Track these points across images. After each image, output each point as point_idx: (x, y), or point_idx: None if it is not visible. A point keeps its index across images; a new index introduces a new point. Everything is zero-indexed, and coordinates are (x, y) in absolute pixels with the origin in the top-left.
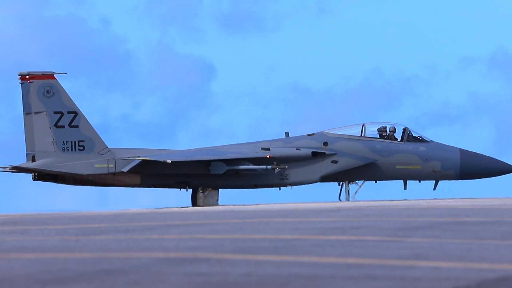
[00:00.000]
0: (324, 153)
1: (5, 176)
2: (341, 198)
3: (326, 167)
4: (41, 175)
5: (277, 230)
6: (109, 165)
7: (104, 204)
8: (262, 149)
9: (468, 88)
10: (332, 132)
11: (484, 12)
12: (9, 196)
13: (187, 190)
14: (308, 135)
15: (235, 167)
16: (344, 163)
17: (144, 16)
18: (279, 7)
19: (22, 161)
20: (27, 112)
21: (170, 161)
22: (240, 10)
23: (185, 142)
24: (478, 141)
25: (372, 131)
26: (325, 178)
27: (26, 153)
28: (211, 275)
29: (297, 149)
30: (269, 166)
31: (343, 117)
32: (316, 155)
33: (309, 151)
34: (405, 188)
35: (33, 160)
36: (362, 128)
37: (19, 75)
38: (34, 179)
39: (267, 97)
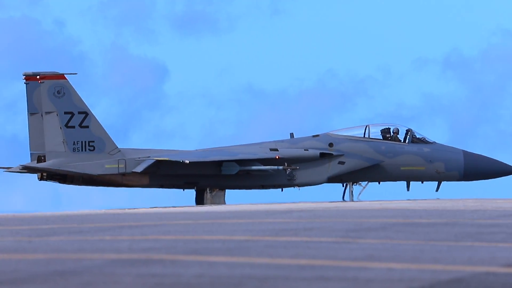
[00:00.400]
0: (331, 154)
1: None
2: (345, 198)
3: (333, 168)
4: (50, 175)
5: (229, 231)
6: (120, 166)
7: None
8: (271, 149)
9: (422, 89)
10: (336, 133)
11: (438, 13)
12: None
13: (195, 191)
14: (313, 136)
15: (247, 168)
16: (351, 164)
17: (98, 18)
18: (233, 8)
19: (25, 161)
20: (32, 112)
21: (188, 161)
22: (193, 11)
23: (139, 143)
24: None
25: (375, 132)
26: (332, 179)
27: (30, 153)
28: (164, 276)
29: (305, 150)
30: (281, 167)
31: (297, 119)
32: (324, 156)
33: (317, 152)
34: (408, 189)
35: (39, 160)
36: (366, 129)
37: (24, 75)
38: (42, 179)
39: (221, 99)
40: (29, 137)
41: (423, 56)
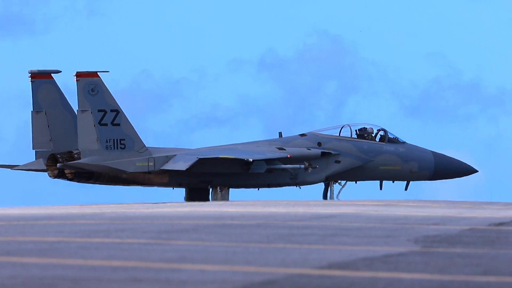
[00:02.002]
0: (330, 153)
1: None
2: (327, 197)
3: (330, 167)
4: (78, 174)
5: (41, 232)
6: (149, 163)
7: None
8: (278, 149)
9: (238, 90)
10: (322, 133)
11: (253, 14)
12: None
13: (210, 189)
14: (300, 135)
15: (273, 166)
16: (346, 163)
17: None
18: (49, 9)
19: (29, 160)
20: (37, 110)
21: (252, 160)
22: (10, 13)
23: None
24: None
25: (356, 131)
26: (328, 178)
27: (36, 152)
28: None
29: (308, 149)
30: (302, 166)
31: None
32: (323, 155)
33: (318, 151)
34: (381, 188)
35: (52, 158)
36: (349, 128)
37: (29, 73)
38: (57, 177)
39: None
40: (32, 135)
41: (238, 57)
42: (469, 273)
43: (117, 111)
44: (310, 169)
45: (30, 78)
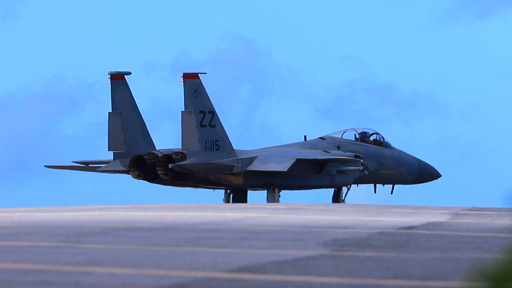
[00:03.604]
0: (360, 156)
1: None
2: (339, 201)
3: (357, 170)
4: (177, 174)
5: None
6: (238, 165)
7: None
8: (324, 151)
9: (150, 94)
10: (336, 136)
11: (166, 17)
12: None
13: (273, 190)
14: (321, 138)
15: (344, 168)
16: (370, 166)
17: None
18: None
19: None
20: (114, 111)
21: (366, 165)
22: None
23: None
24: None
25: (361, 135)
26: (356, 181)
27: (113, 153)
28: None
29: (344, 152)
30: (361, 167)
31: (25, 123)
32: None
33: (352, 154)
34: (375, 192)
35: (145, 160)
36: (355, 133)
37: (109, 74)
38: (139, 178)
39: None
40: (108, 135)
41: (151, 60)
42: (379, 276)
43: (213, 113)
44: (366, 171)
45: (109, 80)
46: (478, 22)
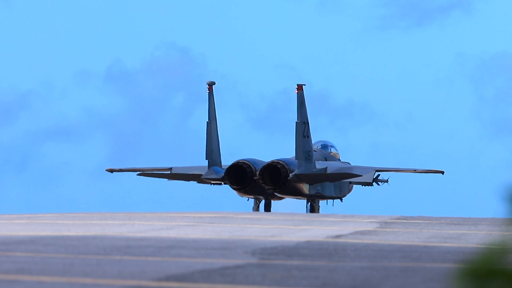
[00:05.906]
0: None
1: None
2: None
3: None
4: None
5: None
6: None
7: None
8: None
9: (84, 103)
10: (320, 148)
11: (100, 26)
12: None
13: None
14: (314, 150)
15: (384, 180)
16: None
17: None
18: None
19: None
20: (211, 120)
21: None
22: None
23: None
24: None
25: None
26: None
27: (208, 162)
28: None
29: (348, 163)
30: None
31: None
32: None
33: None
34: (333, 204)
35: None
36: (327, 144)
37: (207, 84)
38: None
39: None
40: (206, 145)
41: (85, 69)
42: (307, 285)
43: (304, 123)
44: (383, 183)
45: (207, 89)
46: (415, 30)
